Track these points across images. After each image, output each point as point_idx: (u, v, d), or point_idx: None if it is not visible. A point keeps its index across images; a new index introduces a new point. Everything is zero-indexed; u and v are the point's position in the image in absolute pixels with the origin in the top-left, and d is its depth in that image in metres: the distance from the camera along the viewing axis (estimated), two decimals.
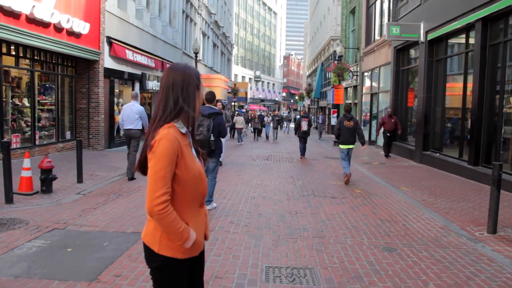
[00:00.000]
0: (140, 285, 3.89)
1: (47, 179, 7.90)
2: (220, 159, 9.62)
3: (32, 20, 11.16)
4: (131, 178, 9.63)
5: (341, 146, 10.41)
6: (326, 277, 4.24)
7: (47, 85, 13.96)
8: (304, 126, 15.77)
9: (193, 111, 2.20)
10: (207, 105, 7.05)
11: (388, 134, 15.99)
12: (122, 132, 11.71)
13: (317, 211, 7.23)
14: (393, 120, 15.87)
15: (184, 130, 2.17)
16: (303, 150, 16.16)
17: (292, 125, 36.44)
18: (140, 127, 9.87)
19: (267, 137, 27.01)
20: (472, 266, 4.68)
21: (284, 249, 5.11)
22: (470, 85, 11.23)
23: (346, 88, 27.96)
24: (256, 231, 5.91)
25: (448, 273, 4.44)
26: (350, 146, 10.31)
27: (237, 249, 5.03)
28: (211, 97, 7.14)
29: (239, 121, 22.55)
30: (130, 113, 9.81)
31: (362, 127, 23.52)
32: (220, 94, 35.77)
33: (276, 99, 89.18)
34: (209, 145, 6.63)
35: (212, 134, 6.67)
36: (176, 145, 2.05)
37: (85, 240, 5.14)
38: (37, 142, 12.92)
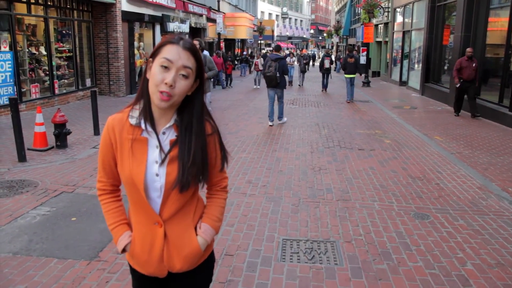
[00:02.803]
0: None
1: (61, 134, 7.62)
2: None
3: None
4: None
5: (346, 76, 15.29)
6: (349, 254, 3.81)
7: (64, 32, 13.49)
8: (326, 64, 19.12)
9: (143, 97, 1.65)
10: (274, 53, 10.70)
11: (458, 85, 11.37)
12: None
13: (342, 167, 6.75)
14: (474, 65, 11.15)
15: (134, 121, 1.65)
16: (325, 85, 19.22)
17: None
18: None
19: (289, 82, 21.02)
20: None
21: (304, 216, 4.69)
22: None
23: (376, 25, 26.42)
24: (275, 192, 5.50)
25: (489, 248, 3.94)
26: (352, 76, 15.11)
27: (253, 217, 4.64)
28: (277, 48, 10.99)
29: (260, 62, 21.24)
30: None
31: (393, 66, 22.59)
32: (245, 33, 34.64)
33: (304, 36, 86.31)
34: (276, 80, 10.01)
35: (277, 72, 9.95)
36: (109, 134, 1.68)
37: (91, 206, 4.85)
38: (56, 92, 12.66)
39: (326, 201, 5.19)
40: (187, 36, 22.29)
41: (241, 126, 10.24)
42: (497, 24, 11.94)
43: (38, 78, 12.07)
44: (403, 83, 20.61)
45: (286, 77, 10.92)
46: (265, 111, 12.80)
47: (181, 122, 1.66)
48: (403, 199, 5.28)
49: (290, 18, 79.42)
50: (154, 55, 1.60)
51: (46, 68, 12.32)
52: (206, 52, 14.62)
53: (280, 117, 10.64)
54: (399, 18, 21.89)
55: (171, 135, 1.67)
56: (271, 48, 49.99)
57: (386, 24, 24.80)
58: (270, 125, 10.32)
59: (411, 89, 18.85)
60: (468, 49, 11.49)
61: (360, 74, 17.14)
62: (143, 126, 1.64)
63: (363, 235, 4.23)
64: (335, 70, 32.92)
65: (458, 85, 11.35)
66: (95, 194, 5.27)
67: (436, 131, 9.67)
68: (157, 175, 1.64)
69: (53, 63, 12.51)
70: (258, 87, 20.39)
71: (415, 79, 18.69)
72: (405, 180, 6.05)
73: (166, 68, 1.55)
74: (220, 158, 1.78)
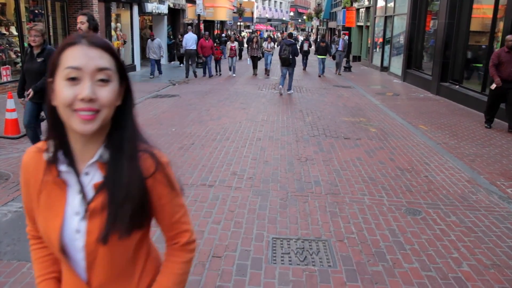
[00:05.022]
0: None
1: None
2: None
3: None
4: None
5: (318, 56, 18.94)
6: (342, 255, 3.65)
7: (36, 11, 12.86)
8: (305, 47, 21.90)
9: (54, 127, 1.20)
10: (288, 39, 13.73)
11: (502, 87, 8.22)
12: (183, 51, 17.63)
13: (329, 157, 6.58)
14: None
15: (46, 156, 1.22)
16: (305, 65, 21.91)
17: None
18: (195, 48, 16.49)
19: (266, 70, 18.81)
20: (510, 237, 4.06)
21: (293, 212, 4.51)
22: (501, 8, 10.09)
23: (358, 10, 26.24)
24: (262, 185, 5.30)
25: (483, 248, 3.84)
26: (323, 57, 18.69)
27: (240, 213, 4.44)
28: (290, 35, 14.79)
29: (237, 47, 19.70)
30: (190, 39, 16.52)
31: (374, 51, 22.50)
32: (225, 15, 34.01)
33: (284, 18, 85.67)
34: (289, 60, 12.68)
35: (290, 54, 12.69)
36: (24, 173, 1.26)
37: None
38: None
39: (315, 195, 5.02)
40: (165, 17, 21.44)
41: (223, 112, 9.98)
42: (481, 11, 11.88)
43: (9, 60, 11.51)
44: (384, 68, 20.56)
45: (296, 58, 13.47)
46: (247, 95, 12.64)
47: (111, 145, 1.21)
48: (393, 193, 5.15)
49: (269, 0, 78.65)
50: (53, 70, 1.14)
51: (18, 49, 11.76)
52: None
53: (289, 89, 13.14)
54: (381, 3, 21.74)
55: (96, 176, 1.21)
56: (250, 30, 49.58)
57: (367, 8, 24.64)
58: (280, 94, 12.87)
59: (392, 75, 18.81)
60: (509, 37, 8.31)
61: (329, 55, 20.20)
62: (60, 163, 1.20)
63: (356, 233, 4.07)
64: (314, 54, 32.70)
65: (493, 87, 8.42)
66: None
67: (421, 119, 9.60)
68: (78, 231, 1.20)
69: (25, 44, 11.92)
70: (234, 75, 18.15)
71: (396, 65, 18.64)
72: (393, 172, 5.92)
73: (74, 80, 1.11)
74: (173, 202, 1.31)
